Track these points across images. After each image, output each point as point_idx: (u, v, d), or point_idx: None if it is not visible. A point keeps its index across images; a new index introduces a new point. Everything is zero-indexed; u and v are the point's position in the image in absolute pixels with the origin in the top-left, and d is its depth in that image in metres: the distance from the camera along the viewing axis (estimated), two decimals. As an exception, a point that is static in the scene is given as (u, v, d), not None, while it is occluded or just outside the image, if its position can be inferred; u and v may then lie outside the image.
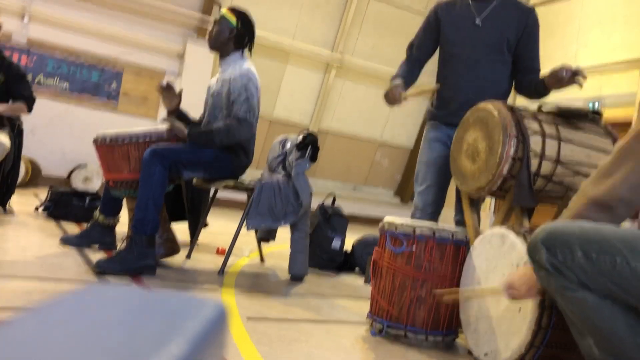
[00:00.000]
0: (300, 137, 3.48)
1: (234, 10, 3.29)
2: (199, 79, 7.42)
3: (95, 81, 7.81)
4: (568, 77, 2.56)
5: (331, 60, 9.05)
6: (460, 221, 2.88)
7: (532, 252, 1.40)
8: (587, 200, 1.44)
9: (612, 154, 1.45)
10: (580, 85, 2.59)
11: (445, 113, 2.91)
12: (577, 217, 1.45)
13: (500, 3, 2.86)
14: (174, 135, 3.11)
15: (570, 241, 1.32)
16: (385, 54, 9.19)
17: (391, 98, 2.79)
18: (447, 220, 2.96)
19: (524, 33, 2.85)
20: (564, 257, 1.32)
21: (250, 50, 3.32)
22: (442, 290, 2.15)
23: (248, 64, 3.22)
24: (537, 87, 2.81)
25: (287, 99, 9.10)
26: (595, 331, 1.32)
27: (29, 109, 4.25)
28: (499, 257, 2.06)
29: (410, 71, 3.01)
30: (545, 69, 2.85)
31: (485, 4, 2.86)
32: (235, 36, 3.21)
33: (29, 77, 4.40)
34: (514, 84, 2.98)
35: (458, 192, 2.88)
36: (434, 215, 2.94)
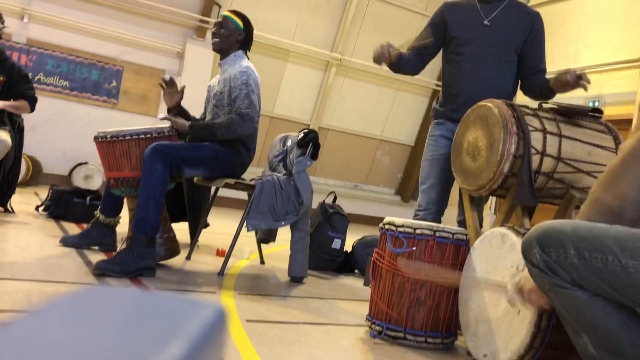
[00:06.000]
0: (301, 135, 3.48)
1: (237, 13, 3.37)
2: (198, 78, 7.44)
3: (95, 79, 7.81)
4: (573, 80, 2.59)
5: (331, 59, 9.05)
6: (463, 222, 2.88)
7: (526, 250, 1.40)
8: (600, 207, 1.43)
9: (618, 156, 1.44)
10: (585, 89, 2.60)
11: (451, 109, 2.92)
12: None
13: (507, 6, 2.90)
14: (176, 133, 3.13)
15: (563, 240, 1.32)
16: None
17: (380, 54, 2.72)
18: (450, 220, 2.95)
19: (530, 36, 2.89)
20: (557, 256, 1.32)
21: (247, 53, 3.39)
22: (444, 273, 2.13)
23: (247, 62, 3.30)
24: (542, 89, 2.83)
25: (287, 96, 9.10)
26: (590, 328, 1.33)
27: (32, 108, 4.29)
28: (499, 258, 2.05)
29: (414, 58, 2.97)
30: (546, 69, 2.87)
31: (493, 6, 2.89)
32: (240, 39, 3.32)
33: (29, 75, 4.44)
34: (519, 84, 2.99)
35: (461, 191, 2.88)
36: (438, 214, 2.94)
